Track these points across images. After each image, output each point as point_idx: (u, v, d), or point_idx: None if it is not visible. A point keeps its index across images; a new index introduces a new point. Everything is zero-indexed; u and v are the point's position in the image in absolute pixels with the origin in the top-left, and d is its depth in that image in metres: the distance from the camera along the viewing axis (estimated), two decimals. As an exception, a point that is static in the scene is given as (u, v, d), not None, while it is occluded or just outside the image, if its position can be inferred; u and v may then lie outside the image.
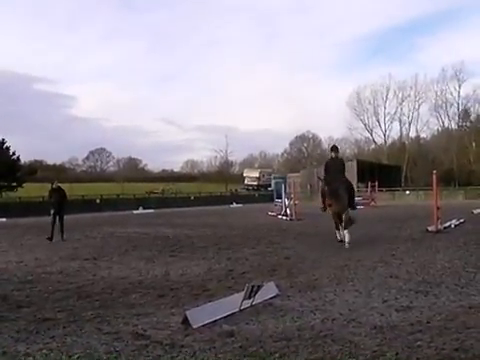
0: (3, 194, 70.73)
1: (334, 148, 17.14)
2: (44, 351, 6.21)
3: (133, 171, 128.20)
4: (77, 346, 6.37)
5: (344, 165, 17.05)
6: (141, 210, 47.69)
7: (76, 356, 5.99)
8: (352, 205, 16.69)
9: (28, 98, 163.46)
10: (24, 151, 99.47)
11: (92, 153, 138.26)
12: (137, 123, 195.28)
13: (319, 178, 17.71)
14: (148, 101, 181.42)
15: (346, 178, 16.77)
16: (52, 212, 21.12)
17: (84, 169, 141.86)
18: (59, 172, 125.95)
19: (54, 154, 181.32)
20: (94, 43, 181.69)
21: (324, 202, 16.67)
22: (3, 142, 78.24)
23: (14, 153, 78.18)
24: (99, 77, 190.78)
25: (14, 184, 74.90)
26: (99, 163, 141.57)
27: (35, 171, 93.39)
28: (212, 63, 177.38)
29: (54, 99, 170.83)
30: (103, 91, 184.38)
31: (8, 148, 77.98)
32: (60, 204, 21.35)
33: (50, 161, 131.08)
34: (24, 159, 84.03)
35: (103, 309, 8.27)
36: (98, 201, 52.01)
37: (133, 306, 8.46)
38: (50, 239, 20.00)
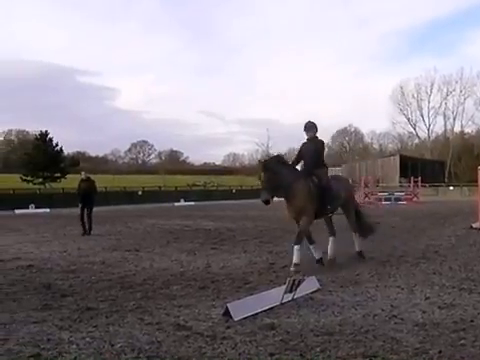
0: (47, 185, 71.82)
1: (307, 126, 11.78)
2: (87, 339, 6.29)
3: (175, 163, 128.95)
4: (119, 335, 6.44)
5: (319, 150, 11.80)
6: (182, 202, 48.04)
7: (118, 345, 6.06)
8: (326, 208, 11.60)
9: (71, 90, 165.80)
10: (67, 143, 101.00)
11: (134, 145, 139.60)
12: (179, 116, 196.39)
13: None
14: (190, 93, 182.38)
15: (324, 169, 11.79)
16: (80, 205, 20.39)
17: (126, 161, 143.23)
18: (101, 164, 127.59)
19: (96, 146, 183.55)
20: (137, 35, 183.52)
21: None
22: (46, 134, 79.56)
23: (57, 145, 79.49)
24: (141, 69, 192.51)
25: (57, 175, 76.07)
26: (141, 155, 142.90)
27: (78, 162, 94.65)
28: (254, 55, 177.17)
29: (97, 91, 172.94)
30: (145, 83, 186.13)
31: (51, 140, 79.29)
32: (88, 196, 20.41)
33: (92, 153, 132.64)
34: (67, 151, 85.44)
35: (145, 300, 8.35)
36: (140, 193, 52.45)
37: (174, 297, 8.53)
38: (85, 233, 19.47)
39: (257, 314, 7.28)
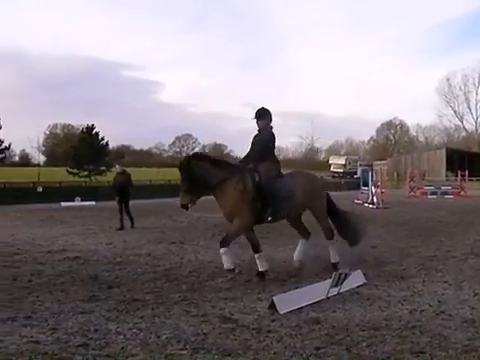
0: (92, 178, 72.73)
1: (258, 114, 10.13)
2: (134, 330, 6.38)
3: (219, 156, 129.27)
4: (166, 327, 6.51)
5: (265, 141, 10.04)
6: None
7: (164, 336, 6.12)
8: (267, 211, 9.74)
9: (116, 84, 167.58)
10: (112, 136, 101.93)
11: (178, 139, 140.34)
12: (223, 109, 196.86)
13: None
14: (234, 86, 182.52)
15: (270, 164, 9.96)
16: (117, 198, 19.89)
17: (170, 154, 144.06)
18: (145, 157, 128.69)
19: (141, 139, 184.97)
20: (181, 29, 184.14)
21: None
22: (92, 127, 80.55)
23: (103, 138, 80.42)
24: (185, 63, 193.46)
25: (103, 168, 76.92)
26: (185, 148, 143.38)
27: (122, 156, 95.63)
28: (299, 47, 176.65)
29: (141, 85, 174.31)
30: (189, 77, 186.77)
31: (97, 133, 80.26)
32: (124, 189, 19.93)
33: (137, 146, 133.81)
34: (112, 144, 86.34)
35: (190, 292, 8.41)
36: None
37: (220, 290, 8.57)
38: (121, 228, 18.83)
39: (302, 308, 7.29)
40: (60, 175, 65.61)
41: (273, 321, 6.73)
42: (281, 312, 7.02)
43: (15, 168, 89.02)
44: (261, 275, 9.59)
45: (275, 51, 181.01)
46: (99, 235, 16.78)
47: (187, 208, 9.67)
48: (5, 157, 77.25)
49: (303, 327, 6.46)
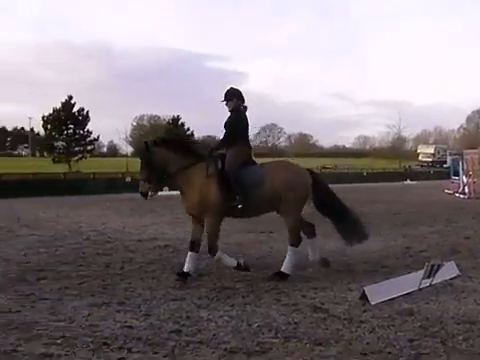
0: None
1: (226, 95, 9.24)
2: (225, 318, 6.43)
3: (304, 146, 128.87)
4: (257, 315, 6.53)
5: (232, 125, 9.06)
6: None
7: (256, 325, 6.13)
8: (232, 202, 8.71)
9: (201, 75, 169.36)
10: (197, 127, 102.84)
11: (263, 129, 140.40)
12: (308, 98, 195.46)
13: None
14: (319, 76, 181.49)
15: (237, 149, 8.89)
16: None
17: (256, 144, 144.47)
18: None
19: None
20: (265, 18, 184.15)
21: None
22: (178, 118, 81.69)
23: (188, 129, 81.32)
24: (270, 52, 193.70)
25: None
26: (270, 138, 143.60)
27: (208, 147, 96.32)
28: (385, 34, 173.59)
29: (226, 76, 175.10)
30: (274, 66, 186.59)
31: (183, 124, 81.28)
32: None
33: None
34: (198, 135, 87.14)
35: (280, 281, 8.39)
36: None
37: (310, 280, 8.53)
38: None
39: (394, 299, 7.16)
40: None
41: (364, 311, 6.64)
42: (372, 303, 6.92)
43: (104, 159, 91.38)
44: (183, 275, 8.60)
45: (361, 38, 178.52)
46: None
47: (146, 197, 9.19)
48: (94, 148, 79.31)
49: (396, 318, 6.34)
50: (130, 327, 6.10)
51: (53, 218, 18.94)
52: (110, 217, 19.43)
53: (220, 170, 8.76)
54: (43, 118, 71.26)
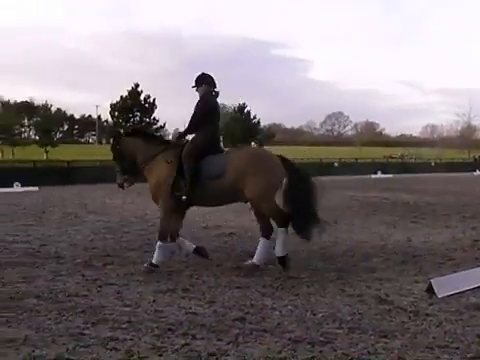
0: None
1: (195, 81, 9.03)
2: (289, 307, 6.42)
3: (370, 135, 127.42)
4: (321, 305, 6.49)
5: (194, 112, 8.83)
6: (379, 175, 47.28)
7: (320, 315, 6.11)
8: (196, 191, 8.50)
9: (266, 63, 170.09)
10: (263, 115, 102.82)
11: (329, 117, 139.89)
12: (374, 86, 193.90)
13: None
14: (386, 63, 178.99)
15: (194, 137, 8.85)
16: None
17: (321, 133, 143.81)
18: (296, 135, 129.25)
19: (291, 118, 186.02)
20: (330, 6, 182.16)
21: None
22: (244, 106, 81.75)
23: (254, 117, 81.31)
24: (335, 40, 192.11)
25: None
26: (336, 127, 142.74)
27: (273, 135, 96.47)
28: (455, 21, 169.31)
29: (291, 63, 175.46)
30: (339, 54, 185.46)
31: (249, 112, 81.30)
32: None
33: (288, 125, 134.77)
34: (263, 123, 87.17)
35: (345, 272, 8.33)
36: (336, 165, 52.32)
37: (375, 270, 8.42)
38: None
39: (462, 292, 7.00)
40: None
41: (431, 305, 6.52)
42: (439, 296, 6.79)
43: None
44: (152, 265, 8.45)
45: (430, 25, 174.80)
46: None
47: (123, 188, 9.26)
48: (160, 136, 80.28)
49: (464, 313, 6.21)
50: (194, 314, 6.16)
51: (119, 205, 19.26)
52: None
53: (178, 160, 8.62)
54: (110, 106, 72.45)
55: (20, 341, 5.30)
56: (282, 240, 8.53)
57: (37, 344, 5.21)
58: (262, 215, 8.96)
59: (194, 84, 8.98)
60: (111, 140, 9.28)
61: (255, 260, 8.60)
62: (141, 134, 9.41)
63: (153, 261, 8.48)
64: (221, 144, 9.40)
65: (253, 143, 19.28)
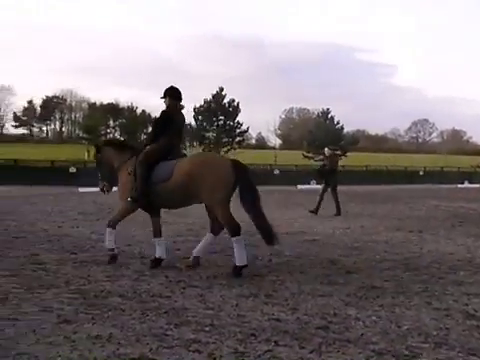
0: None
1: (164, 92, 9.69)
2: (373, 318, 6.30)
3: (457, 143, 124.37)
4: (406, 318, 6.34)
5: (156, 122, 10.03)
6: (466, 184, 46.09)
7: (405, 327, 5.96)
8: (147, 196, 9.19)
9: (350, 68, 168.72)
10: (346, 121, 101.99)
11: (414, 124, 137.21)
12: (462, 93, 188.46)
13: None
14: (474, 68, 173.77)
15: (150, 146, 9.41)
16: (325, 183, 19.14)
17: (406, 140, 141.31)
18: (380, 142, 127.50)
19: (375, 124, 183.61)
20: (414, 9, 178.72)
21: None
22: (328, 112, 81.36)
23: (338, 122, 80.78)
24: (420, 45, 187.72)
25: (338, 153, 77.26)
26: (421, 134, 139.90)
27: (357, 141, 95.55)
28: None
29: (375, 68, 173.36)
30: (424, 59, 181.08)
31: (333, 118, 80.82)
32: (330, 172, 19.16)
33: (372, 131, 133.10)
34: (347, 128, 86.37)
35: (431, 284, 8.10)
36: (421, 173, 51.36)
37: (462, 284, 8.15)
38: (314, 212, 18.24)
39: None
40: (295, 158, 67.13)
41: (525, 323, 6.27)
42: None
43: (252, 150, 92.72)
44: (156, 261, 9.24)
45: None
46: (335, 219, 16.89)
47: (104, 192, 10.12)
48: (243, 140, 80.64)
49: None
50: (277, 320, 6.14)
51: (202, 207, 19.40)
52: (258, 209, 19.63)
53: (134, 167, 9.30)
54: (194, 109, 73.39)
55: (105, 338, 5.42)
56: (237, 250, 8.64)
57: (121, 342, 5.31)
58: (212, 215, 9.43)
59: (162, 96, 9.64)
60: (94, 149, 10.24)
61: (194, 251, 9.35)
62: (116, 144, 10.27)
63: (107, 246, 9.41)
64: (185, 151, 10.89)
65: (326, 149, 18.95)
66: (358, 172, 47.89)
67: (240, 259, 8.55)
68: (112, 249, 9.40)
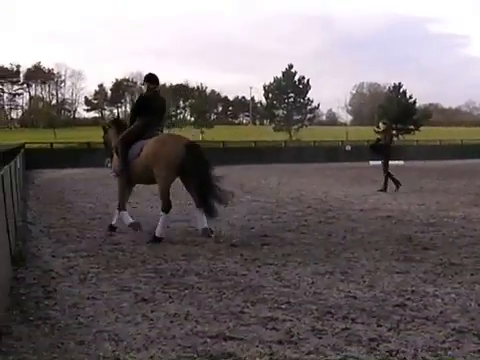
0: (400, 137, 72.11)
1: (143, 79, 11.24)
2: (452, 295, 6.16)
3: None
4: (487, 295, 6.19)
5: (133, 106, 12.77)
6: None
7: (487, 305, 5.82)
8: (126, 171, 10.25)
9: (421, 40, 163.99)
10: (419, 94, 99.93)
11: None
12: None
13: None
14: None
15: (133, 127, 10.44)
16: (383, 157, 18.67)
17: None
18: (454, 115, 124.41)
19: (449, 97, 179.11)
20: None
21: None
22: (399, 86, 79.79)
23: (410, 97, 79.19)
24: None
25: (411, 127, 75.97)
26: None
27: (430, 115, 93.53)
28: None
29: (447, 39, 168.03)
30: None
31: (404, 92, 79.22)
32: (383, 147, 18.88)
33: (445, 104, 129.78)
34: (419, 102, 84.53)
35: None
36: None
37: None
38: (383, 190, 17.89)
39: None
40: (367, 134, 66.16)
41: None
42: None
43: (323, 127, 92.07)
44: (112, 228, 10.55)
45: None
46: (410, 195, 16.60)
47: (107, 168, 11.65)
48: (314, 117, 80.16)
49: None
50: (354, 297, 6.09)
51: (274, 185, 19.47)
52: (331, 185, 19.58)
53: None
54: (264, 87, 73.35)
55: (182, 316, 5.48)
56: (161, 223, 9.63)
57: (199, 320, 5.35)
58: (191, 190, 10.07)
59: (142, 81, 11.39)
60: (102, 130, 11.66)
61: (199, 227, 9.89)
62: (117, 125, 11.29)
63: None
64: (164, 131, 11.96)
65: (381, 124, 18.41)
66: (431, 147, 46.89)
67: (160, 231, 9.54)
68: (132, 223, 10.21)
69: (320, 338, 4.86)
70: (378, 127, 19.54)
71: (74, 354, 4.52)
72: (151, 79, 10.45)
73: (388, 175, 18.30)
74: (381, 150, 18.98)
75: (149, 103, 10.29)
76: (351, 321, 5.29)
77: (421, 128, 76.38)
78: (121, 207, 10.32)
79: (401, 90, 79.61)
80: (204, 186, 9.70)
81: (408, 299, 6.01)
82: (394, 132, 20.26)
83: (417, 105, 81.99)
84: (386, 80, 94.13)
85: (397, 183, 18.10)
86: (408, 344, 4.68)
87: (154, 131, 10.33)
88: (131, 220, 10.25)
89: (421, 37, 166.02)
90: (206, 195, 9.67)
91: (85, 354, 4.52)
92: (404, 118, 75.25)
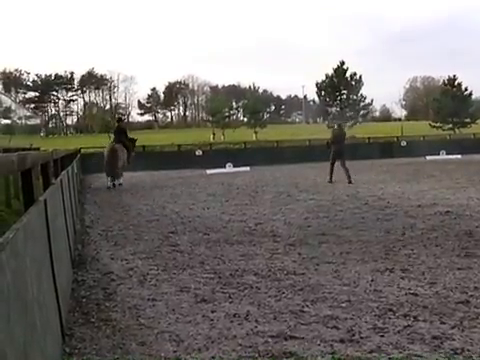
0: (456, 130, 70.84)
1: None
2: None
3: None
4: None
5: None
6: None
7: None
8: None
9: (476, 31, 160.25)
10: (476, 87, 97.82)
11: None
12: None
13: None
14: None
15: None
16: None
17: None
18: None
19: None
20: None
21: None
22: (454, 79, 78.32)
23: (466, 89, 77.59)
24: None
25: (467, 120, 74.55)
26: None
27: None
28: None
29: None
30: None
31: (460, 84, 77.74)
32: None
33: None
34: (476, 95, 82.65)
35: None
36: None
37: None
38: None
39: None
40: (422, 129, 65.25)
41: None
42: None
43: (377, 123, 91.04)
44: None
45: None
46: (469, 189, 16.21)
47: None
48: (368, 113, 79.40)
49: None
50: (415, 295, 6.00)
51: (331, 185, 19.36)
52: (387, 182, 19.33)
53: None
54: (316, 85, 73.06)
55: (243, 316, 5.49)
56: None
57: (259, 320, 5.35)
58: None
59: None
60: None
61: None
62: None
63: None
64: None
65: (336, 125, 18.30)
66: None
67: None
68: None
69: (382, 336, 4.81)
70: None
71: (136, 355, 4.58)
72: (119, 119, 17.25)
73: (331, 167, 19.76)
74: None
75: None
76: (413, 319, 5.22)
77: (478, 121, 74.77)
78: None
79: (456, 83, 78.12)
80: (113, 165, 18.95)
81: (471, 296, 5.89)
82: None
83: (473, 97, 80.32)
84: (441, 73, 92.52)
85: (331, 177, 19.59)
86: (473, 342, 4.60)
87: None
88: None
89: (476, 28, 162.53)
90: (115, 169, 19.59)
91: (147, 355, 4.58)
92: (460, 111, 73.87)
